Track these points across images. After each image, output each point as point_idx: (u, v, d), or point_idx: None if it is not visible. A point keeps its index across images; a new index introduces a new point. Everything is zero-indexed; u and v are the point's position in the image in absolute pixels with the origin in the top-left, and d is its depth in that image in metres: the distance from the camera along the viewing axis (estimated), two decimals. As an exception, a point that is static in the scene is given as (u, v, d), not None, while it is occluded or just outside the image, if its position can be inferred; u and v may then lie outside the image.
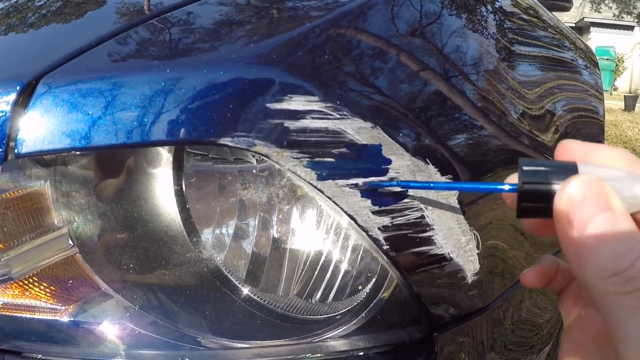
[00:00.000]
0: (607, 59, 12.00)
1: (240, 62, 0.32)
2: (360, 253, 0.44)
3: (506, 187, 0.25)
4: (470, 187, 0.33)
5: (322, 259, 0.45)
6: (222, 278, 0.44)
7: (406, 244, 0.36)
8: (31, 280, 0.42)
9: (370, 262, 0.43)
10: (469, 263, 0.41)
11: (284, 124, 0.32)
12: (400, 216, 0.35)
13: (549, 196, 0.23)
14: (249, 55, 0.33)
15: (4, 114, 0.31)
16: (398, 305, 0.40)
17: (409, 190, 0.36)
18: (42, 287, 0.42)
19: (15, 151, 0.31)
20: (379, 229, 0.35)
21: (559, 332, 0.75)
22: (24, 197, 0.40)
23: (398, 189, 0.35)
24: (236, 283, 0.44)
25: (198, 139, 0.31)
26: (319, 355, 0.41)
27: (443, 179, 0.38)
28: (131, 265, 0.42)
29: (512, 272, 0.51)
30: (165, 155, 0.42)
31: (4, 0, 0.57)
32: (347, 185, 0.34)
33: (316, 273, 0.45)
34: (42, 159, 0.40)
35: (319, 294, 0.45)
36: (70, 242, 0.41)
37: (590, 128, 0.81)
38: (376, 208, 0.35)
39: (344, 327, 0.41)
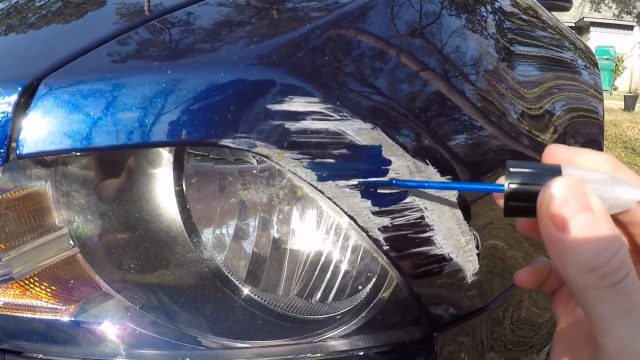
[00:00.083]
0: (606, 59, 12.00)
1: (241, 63, 0.32)
2: (360, 253, 0.44)
3: (495, 188, 0.27)
4: (462, 187, 0.34)
5: (322, 259, 0.45)
6: (222, 278, 0.44)
7: (406, 245, 0.36)
8: (32, 280, 0.42)
9: (370, 263, 0.43)
10: (469, 263, 0.41)
11: (285, 125, 0.32)
12: (400, 217, 0.36)
13: (534, 196, 0.25)
14: (250, 56, 0.33)
15: (5, 114, 0.31)
16: (398, 305, 0.40)
17: (408, 190, 0.36)
18: (43, 287, 0.42)
19: (17, 152, 0.31)
20: (379, 229, 0.35)
21: (559, 332, 0.75)
22: (24, 197, 0.40)
23: (395, 188, 0.35)
24: (236, 283, 0.45)
25: (199, 140, 0.31)
26: (319, 355, 0.41)
27: (442, 179, 0.38)
28: (132, 266, 0.42)
29: (511, 272, 0.52)
30: (165, 155, 0.42)
31: (4, 0, 0.57)
32: (347, 186, 0.34)
33: (316, 273, 0.45)
34: (43, 160, 0.40)
35: (319, 294, 0.45)
36: (71, 242, 0.42)
37: (590, 128, 0.81)
38: (376, 209, 0.35)
39: (344, 327, 0.41)
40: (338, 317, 0.43)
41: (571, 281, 0.24)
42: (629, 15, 15.59)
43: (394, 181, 0.34)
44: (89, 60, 0.34)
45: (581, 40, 1.05)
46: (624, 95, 8.89)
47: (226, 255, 0.45)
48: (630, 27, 15.72)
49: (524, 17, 0.74)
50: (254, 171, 0.44)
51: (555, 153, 0.27)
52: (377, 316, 0.41)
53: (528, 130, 0.54)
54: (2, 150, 0.31)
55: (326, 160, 0.33)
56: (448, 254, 0.39)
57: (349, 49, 0.37)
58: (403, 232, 0.36)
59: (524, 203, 0.25)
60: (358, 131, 0.34)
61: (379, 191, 0.35)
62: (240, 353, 0.41)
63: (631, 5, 15.52)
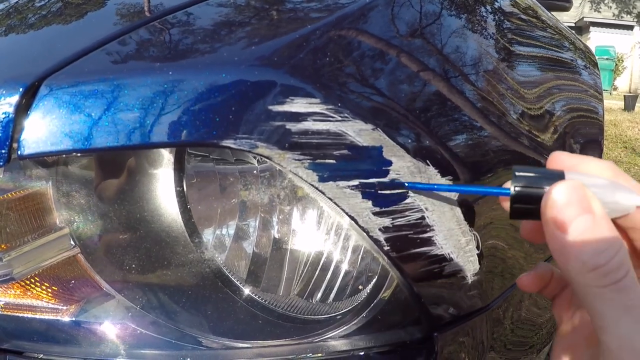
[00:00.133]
0: (606, 59, 12.00)
1: (242, 64, 0.32)
2: (361, 253, 0.44)
3: (501, 191, 0.28)
4: (470, 190, 0.36)
5: (323, 259, 0.45)
6: (223, 278, 0.44)
7: (407, 245, 0.37)
8: (33, 281, 0.42)
9: (371, 263, 0.44)
10: (469, 263, 0.41)
11: (286, 126, 0.32)
12: (401, 217, 0.36)
13: (538, 199, 0.26)
14: (251, 57, 0.33)
15: (6, 115, 0.31)
16: (398, 305, 0.40)
17: (410, 191, 0.36)
18: (44, 287, 0.42)
19: (18, 152, 0.31)
20: (379, 230, 0.35)
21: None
22: (25, 198, 0.40)
23: (406, 190, 0.36)
24: (237, 283, 0.45)
25: (200, 140, 0.31)
26: (319, 355, 0.41)
27: (443, 180, 0.38)
28: (133, 266, 0.42)
29: (511, 272, 0.52)
30: (166, 156, 0.42)
31: (4, 1, 0.57)
32: (348, 186, 0.34)
33: (317, 273, 0.45)
34: (44, 160, 0.40)
35: (319, 294, 0.45)
36: (72, 242, 0.42)
37: (590, 128, 0.81)
38: (377, 209, 0.35)
39: (345, 327, 0.41)
40: (339, 317, 0.43)
41: (573, 280, 0.25)
42: (628, 15, 15.58)
43: (406, 184, 0.35)
44: (90, 61, 0.34)
45: (581, 40, 1.05)
46: (624, 95, 8.89)
47: (227, 255, 0.45)
48: (630, 27, 15.72)
49: (524, 17, 0.74)
50: (255, 172, 0.44)
51: (559, 159, 0.29)
52: (377, 316, 0.41)
53: (528, 131, 0.54)
54: (3, 151, 0.31)
55: (327, 161, 0.33)
56: (448, 254, 0.39)
57: (350, 50, 0.37)
58: (404, 233, 0.36)
59: (528, 205, 0.26)
60: (359, 132, 0.34)
61: (379, 192, 0.35)
62: (241, 353, 0.41)
63: (631, 5, 15.51)
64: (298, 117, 0.32)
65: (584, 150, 0.75)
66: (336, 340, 0.42)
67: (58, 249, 0.41)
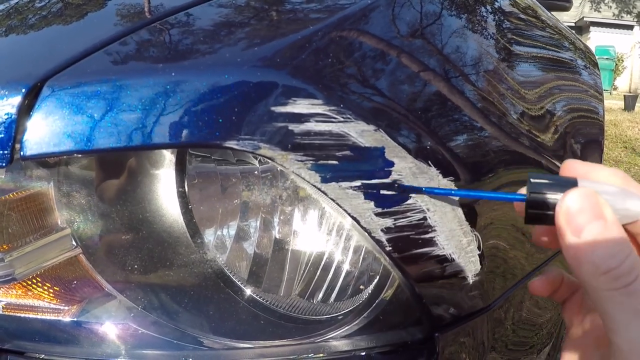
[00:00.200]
0: (606, 59, 12.00)
1: (245, 65, 0.32)
2: (362, 254, 0.44)
3: (517, 197, 0.29)
4: (486, 195, 0.37)
5: (324, 259, 0.45)
6: (225, 279, 0.44)
7: (409, 246, 0.37)
8: (35, 281, 0.42)
9: (372, 263, 0.44)
10: (470, 264, 0.41)
11: (289, 127, 0.32)
12: (403, 218, 0.36)
13: (552, 206, 0.27)
14: (253, 58, 0.33)
15: (9, 116, 0.31)
16: (400, 305, 0.40)
17: (411, 193, 0.36)
18: (46, 288, 0.42)
19: (21, 153, 0.31)
20: (381, 230, 0.35)
21: (559, 332, 0.75)
22: (27, 198, 0.40)
23: (422, 194, 0.37)
24: (239, 284, 0.45)
25: (203, 141, 0.31)
26: (321, 355, 0.41)
27: (445, 180, 0.38)
28: (135, 266, 0.42)
29: (512, 272, 0.52)
30: (168, 156, 0.42)
31: (4, 1, 0.57)
32: (351, 187, 0.34)
33: (318, 274, 0.45)
34: (46, 160, 0.40)
35: (320, 295, 0.45)
36: (74, 242, 0.42)
37: (590, 128, 0.81)
38: (379, 210, 0.35)
39: (346, 328, 0.41)
40: (340, 317, 0.43)
41: (586, 283, 0.26)
42: (629, 15, 15.58)
43: (423, 188, 0.36)
44: (92, 62, 0.34)
45: (581, 40, 1.05)
46: (624, 95, 8.89)
47: (228, 256, 0.45)
48: (630, 27, 15.71)
49: (524, 17, 0.74)
50: (256, 172, 0.44)
51: (572, 167, 0.30)
52: (379, 316, 0.41)
53: (529, 131, 0.55)
54: (6, 152, 0.31)
55: (330, 161, 0.33)
56: (450, 254, 0.39)
57: (352, 51, 0.37)
58: (406, 233, 0.36)
59: (543, 211, 0.28)
60: (361, 133, 0.34)
61: (381, 192, 0.35)
62: (242, 353, 0.41)
63: (631, 5, 15.51)
64: (300, 118, 0.32)
65: (584, 151, 0.75)
66: (338, 341, 0.42)
67: (60, 249, 0.41)
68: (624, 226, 0.27)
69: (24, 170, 0.41)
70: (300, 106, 0.32)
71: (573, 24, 15.49)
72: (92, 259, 0.42)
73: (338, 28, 0.38)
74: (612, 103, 8.85)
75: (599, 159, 0.84)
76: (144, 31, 0.38)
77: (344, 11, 0.39)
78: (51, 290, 0.43)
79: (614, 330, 0.25)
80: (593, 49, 1.17)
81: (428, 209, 0.37)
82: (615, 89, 13.63)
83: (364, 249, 0.44)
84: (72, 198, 0.41)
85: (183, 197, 0.42)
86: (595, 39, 15.01)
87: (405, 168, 0.36)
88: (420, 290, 0.39)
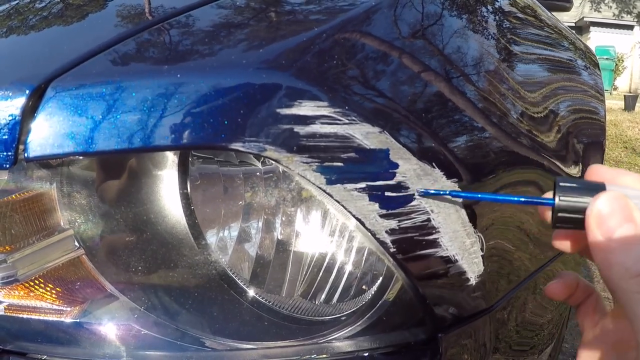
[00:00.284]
0: (607, 59, 12.00)
1: (250, 67, 0.32)
2: (365, 255, 0.44)
3: (545, 201, 0.30)
4: (512, 199, 0.36)
5: (326, 260, 0.45)
6: (228, 280, 0.44)
7: (413, 247, 0.37)
8: (37, 282, 0.42)
9: (375, 264, 0.44)
10: (473, 265, 0.41)
11: (294, 129, 0.32)
12: (407, 219, 0.36)
13: (581, 209, 0.28)
14: (259, 60, 0.33)
15: (13, 117, 0.31)
16: (403, 306, 0.40)
17: (415, 193, 0.36)
18: (48, 289, 0.42)
19: (25, 154, 0.31)
20: (386, 232, 0.35)
21: (560, 333, 0.75)
22: (30, 199, 0.40)
23: (449, 197, 0.38)
24: (242, 285, 0.45)
25: (209, 143, 0.31)
26: (324, 356, 0.41)
27: (449, 182, 0.38)
28: (138, 267, 0.42)
29: (515, 273, 0.52)
30: (171, 158, 0.42)
31: (4, 2, 0.57)
32: (356, 189, 0.34)
33: (320, 274, 0.45)
34: (48, 162, 0.40)
35: (323, 296, 0.45)
36: (76, 243, 0.42)
37: (591, 129, 0.81)
38: (384, 211, 0.35)
39: (350, 328, 0.41)
40: (343, 318, 0.43)
41: (616, 286, 0.26)
42: (629, 15, 15.59)
43: (448, 191, 0.37)
44: (96, 63, 0.34)
45: (581, 41, 1.05)
46: (624, 95, 8.89)
47: (230, 257, 0.45)
48: (630, 27, 15.72)
49: (525, 17, 0.74)
50: (259, 173, 0.44)
51: (598, 172, 0.31)
52: (382, 317, 0.41)
53: (530, 132, 0.55)
54: (10, 153, 0.31)
55: (335, 163, 0.33)
56: (453, 255, 0.39)
57: (356, 53, 0.37)
58: (410, 235, 0.36)
59: (572, 215, 0.28)
60: (366, 135, 0.34)
61: (386, 194, 0.35)
62: (245, 354, 0.41)
63: (631, 5, 15.52)
64: (306, 120, 0.32)
65: (585, 151, 0.75)
66: (341, 342, 0.42)
67: (62, 250, 0.41)
68: None
69: (27, 172, 0.41)
70: (305, 108, 0.32)
71: (573, 24, 15.50)
72: (95, 260, 0.42)
73: (342, 30, 0.38)
74: (612, 103, 8.85)
75: (600, 160, 0.84)
76: (148, 33, 0.38)
77: (348, 13, 0.39)
78: (53, 291, 0.43)
79: None
80: (593, 49, 1.17)
81: (432, 211, 0.37)
82: (615, 89, 13.64)
83: (366, 249, 0.43)
84: (74, 199, 0.41)
85: (186, 199, 0.42)
86: (595, 39, 15.01)
87: (410, 170, 0.36)
88: (424, 291, 0.39)
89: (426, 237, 0.37)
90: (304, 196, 0.44)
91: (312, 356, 0.41)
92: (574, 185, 0.28)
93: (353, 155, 0.34)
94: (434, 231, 0.37)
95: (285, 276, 0.46)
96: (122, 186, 0.42)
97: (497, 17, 0.63)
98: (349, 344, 0.42)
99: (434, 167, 0.37)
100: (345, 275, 0.45)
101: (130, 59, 0.35)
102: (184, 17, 0.40)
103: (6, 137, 0.31)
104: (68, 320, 0.42)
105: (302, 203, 0.44)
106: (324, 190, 0.33)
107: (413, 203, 0.36)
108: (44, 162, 0.40)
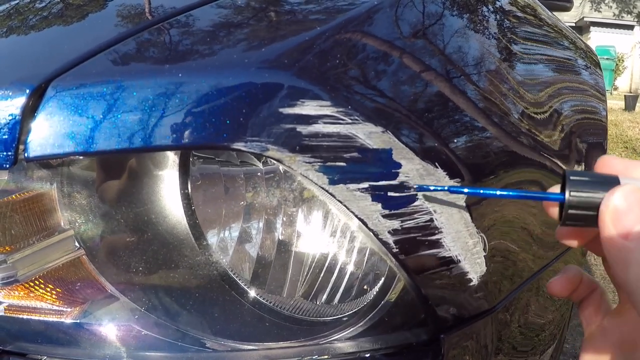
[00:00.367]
0: (607, 59, 12.00)
1: (252, 66, 0.32)
2: (367, 255, 0.44)
3: (554, 196, 0.27)
4: (519, 195, 0.33)
5: (328, 261, 0.45)
6: (229, 281, 0.44)
7: (415, 247, 0.36)
8: (37, 282, 0.42)
9: (376, 264, 0.43)
10: (476, 265, 0.41)
11: (297, 128, 0.32)
12: (410, 219, 0.36)
13: (594, 205, 0.25)
14: (261, 59, 0.33)
15: (13, 117, 0.31)
16: (405, 307, 0.40)
17: (417, 193, 0.36)
18: (48, 289, 0.42)
19: (25, 154, 0.31)
20: (388, 232, 0.35)
21: (562, 334, 0.75)
22: (30, 200, 0.40)
23: (448, 193, 0.36)
24: (243, 286, 0.44)
25: (211, 143, 0.31)
26: (326, 357, 0.41)
27: (451, 182, 0.38)
28: (138, 268, 0.42)
29: (518, 273, 0.52)
30: (171, 158, 0.42)
31: (4, 2, 0.56)
32: (358, 189, 0.34)
33: (322, 275, 0.45)
34: (48, 162, 0.40)
35: (324, 296, 0.45)
36: (77, 244, 0.41)
37: (592, 129, 0.81)
38: (386, 212, 0.35)
39: (351, 329, 0.41)
40: (345, 319, 0.42)
41: (633, 289, 0.24)
42: (629, 15, 15.59)
43: (446, 187, 0.35)
44: (97, 63, 0.34)
45: (582, 40, 1.05)
46: (625, 95, 8.90)
47: (231, 257, 0.45)
48: (631, 27, 15.72)
49: (526, 17, 0.74)
50: (260, 174, 0.44)
51: (609, 164, 0.28)
52: (384, 318, 0.41)
53: (533, 131, 0.54)
54: (10, 153, 0.31)
55: (337, 163, 0.33)
56: (456, 256, 0.39)
57: (358, 53, 0.37)
58: (412, 235, 0.36)
59: (584, 212, 0.26)
60: (369, 135, 0.34)
61: (389, 194, 0.35)
62: (247, 355, 0.41)
63: (631, 5, 15.52)
64: (308, 119, 0.32)
65: (587, 152, 0.75)
66: (342, 342, 0.41)
67: (62, 250, 0.41)
68: None
69: (27, 172, 0.40)
70: (308, 107, 0.32)
71: (573, 24, 15.50)
72: (95, 260, 0.42)
73: (344, 29, 0.37)
74: (612, 103, 8.85)
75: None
76: (148, 32, 0.37)
77: (349, 13, 0.39)
78: (54, 292, 0.42)
79: None
80: (593, 49, 1.17)
81: (435, 211, 0.37)
82: (615, 89, 13.64)
83: (368, 250, 0.43)
84: (75, 199, 0.41)
85: (187, 199, 0.42)
86: (595, 39, 15.02)
87: (413, 170, 0.35)
88: (426, 291, 0.39)
89: (429, 238, 0.37)
90: (305, 196, 0.43)
91: (314, 357, 0.41)
92: (586, 179, 0.26)
93: (356, 155, 0.33)
94: (436, 231, 0.37)
95: (286, 277, 0.45)
96: (122, 186, 0.42)
97: (498, 17, 0.62)
98: (351, 344, 0.41)
99: (436, 167, 0.37)
100: (347, 276, 0.45)
101: (130, 59, 0.35)
102: (184, 16, 0.40)
103: (6, 136, 0.31)
104: (68, 321, 0.41)
105: (303, 203, 0.44)
106: (327, 190, 0.33)
107: (416, 203, 0.36)
108: (44, 162, 0.39)
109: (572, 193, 0.26)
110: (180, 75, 0.31)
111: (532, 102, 0.57)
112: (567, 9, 1.34)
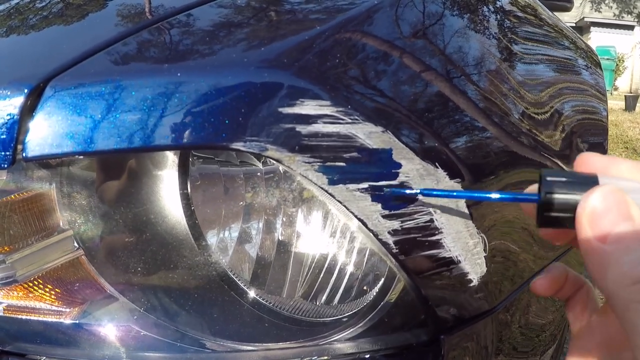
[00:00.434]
0: (607, 59, 12.00)
1: (251, 66, 0.32)
2: (366, 255, 0.44)
3: (528, 197, 0.26)
4: (489, 197, 0.32)
5: (327, 261, 0.45)
6: (229, 281, 0.44)
7: (415, 248, 0.36)
8: (36, 283, 0.42)
9: (376, 265, 0.43)
10: (476, 266, 0.41)
11: (296, 128, 0.32)
12: (410, 220, 0.35)
13: (571, 206, 0.24)
14: (260, 59, 0.33)
15: (11, 117, 0.31)
16: (405, 307, 0.40)
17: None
18: (47, 290, 0.42)
19: (23, 154, 0.31)
20: (388, 232, 0.35)
21: (563, 334, 0.75)
22: (29, 200, 0.40)
23: (421, 196, 0.35)
24: (242, 286, 0.44)
25: (210, 143, 0.31)
26: (325, 357, 0.41)
27: (452, 182, 0.38)
28: (138, 268, 0.42)
29: (518, 274, 0.51)
30: (171, 158, 0.41)
31: (5, 1, 0.56)
32: (358, 189, 0.34)
33: (321, 275, 0.45)
34: (48, 162, 0.40)
35: (324, 297, 0.45)
36: (76, 244, 0.41)
37: (592, 129, 0.81)
38: (386, 212, 0.34)
39: (351, 330, 0.41)
40: (345, 319, 0.42)
41: (611, 294, 0.23)
42: (629, 15, 15.59)
43: (420, 190, 0.34)
44: (95, 62, 0.34)
45: (583, 40, 1.05)
46: (625, 95, 8.90)
47: (231, 258, 0.45)
48: (631, 27, 15.72)
49: (526, 17, 0.74)
50: (259, 174, 0.44)
51: (588, 161, 0.27)
52: (384, 319, 0.40)
53: (533, 132, 0.54)
54: (8, 153, 0.31)
55: (337, 163, 0.33)
56: (456, 256, 0.38)
57: (358, 52, 0.37)
58: (412, 235, 0.36)
59: (560, 214, 0.25)
60: (369, 135, 0.34)
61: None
62: (246, 356, 0.41)
63: (632, 5, 15.52)
64: (308, 119, 0.32)
65: (587, 151, 0.75)
66: (342, 343, 0.41)
67: (62, 250, 0.41)
68: None
69: (26, 172, 0.40)
70: (307, 107, 0.32)
71: (573, 24, 15.50)
72: (94, 260, 0.41)
73: (344, 29, 0.37)
74: (613, 103, 8.84)
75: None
76: (147, 32, 0.37)
77: (349, 12, 0.39)
78: (53, 292, 0.42)
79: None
80: (594, 49, 1.17)
81: (435, 211, 0.36)
82: (616, 89, 13.64)
83: (368, 250, 0.43)
84: (74, 199, 0.41)
85: (186, 199, 0.42)
86: (595, 39, 15.02)
87: (413, 170, 0.35)
88: (426, 292, 0.38)
89: (429, 238, 0.37)
90: (305, 196, 0.43)
91: (313, 358, 0.40)
92: (562, 179, 0.24)
93: (356, 155, 0.33)
94: (436, 232, 0.37)
95: (286, 277, 0.45)
96: (122, 186, 0.41)
97: (498, 17, 0.62)
98: (350, 345, 0.41)
99: (437, 167, 0.37)
100: (347, 277, 0.44)
101: (129, 58, 0.34)
102: (183, 16, 0.40)
103: (4, 136, 0.31)
104: (67, 321, 0.41)
105: (303, 203, 0.44)
106: (326, 191, 0.33)
107: (416, 203, 0.36)
108: (43, 162, 0.39)
109: (546, 194, 0.25)
110: (179, 74, 0.31)
111: (533, 102, 0.57)
112: (568, 9, 1.34)
